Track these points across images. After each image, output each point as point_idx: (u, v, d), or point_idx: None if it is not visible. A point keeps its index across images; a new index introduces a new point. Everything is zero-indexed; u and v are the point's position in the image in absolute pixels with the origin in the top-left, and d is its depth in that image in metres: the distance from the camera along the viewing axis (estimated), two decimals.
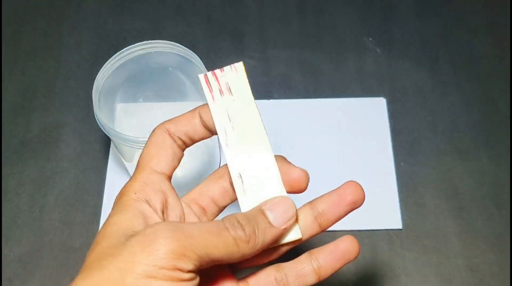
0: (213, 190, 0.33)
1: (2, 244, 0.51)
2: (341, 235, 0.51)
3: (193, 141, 0.33)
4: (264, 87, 0.59)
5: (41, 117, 0.58)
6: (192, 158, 0.53)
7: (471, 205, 0.52)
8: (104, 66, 0.45)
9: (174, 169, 0.32)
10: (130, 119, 0.52)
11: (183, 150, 0.33)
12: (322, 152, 0.55)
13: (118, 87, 0.48)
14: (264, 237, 0.29)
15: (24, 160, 0.55)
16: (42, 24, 0.64)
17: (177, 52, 0.46)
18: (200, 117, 0.32)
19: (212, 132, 0.32)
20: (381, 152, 0.55)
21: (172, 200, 0.31)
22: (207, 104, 0.32)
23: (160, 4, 0.66)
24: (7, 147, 0.56)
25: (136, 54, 0.46)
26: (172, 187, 0.32)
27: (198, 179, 0.52)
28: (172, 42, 0.46)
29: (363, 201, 0.32)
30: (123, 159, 0.51)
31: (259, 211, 0.29)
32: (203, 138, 0.33)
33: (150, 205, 0.29)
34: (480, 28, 0.63)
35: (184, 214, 0.32)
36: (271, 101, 0.58)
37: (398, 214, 0.52)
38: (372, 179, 0.54)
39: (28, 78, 0.61)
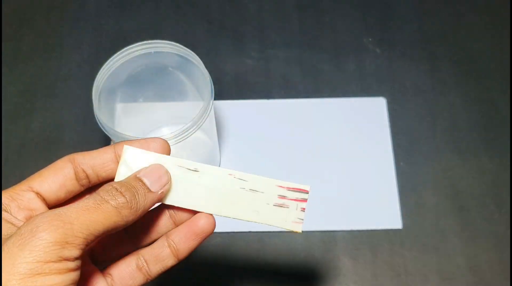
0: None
1: None
2: (341, 235, 0.51)
3: (99, 179, 0.32)
4: (264, 87, 0.59)
5: (41, 117, 0.58)
6: (192, 158, 0.53)
7: (471, 205, 0.52)
8: (104, 66, 0.45)
9: (59, 201, 0.31)
10: (130, 119, 0.52)
11: (82, 186, 0.31)
12: (322, 152, 0.55)
13: (118, 87, 0.48)
14: (144, 202, 0.29)
15: (24, 160, 0.55)
16: (42, 24, 0.64)
17: (177, 52, 0.46)
18: (115, 153, 0.31)
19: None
20: (381, 152, 0.55)
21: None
22: (124, 142, 0.32)
23: (160, 4, 0.66)
24: (7, 147, 0.56)
25: (136, 54, 0.46)
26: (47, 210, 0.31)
27: None
28: (172, 42, 0.46)
29: (213, 230, 0.33)
30: None
31: (135, 178, 0.30)
32: (110, 177, 0.32)
33: (13, 224, 0.29)
34: (480, 28, 0.63)
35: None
36: (271, 101, 0.58)
37: (398, 214, 0.52)
38: (372, 179, 0.54)
39: (28, 79, 0.61)
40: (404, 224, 0.51)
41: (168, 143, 0.32)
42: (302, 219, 0.33)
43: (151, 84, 0.50)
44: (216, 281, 0.49)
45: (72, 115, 0.58)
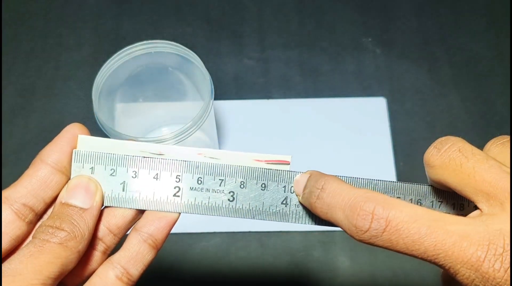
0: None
1: None
2: (341, 235, 0.51)
3: (46, 204, 0.28)
4: (263, 87, 0.59)
5: (41, 118, 0.58)
6: None
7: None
8: (104, 66, 0.45)
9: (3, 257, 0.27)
10: (130, 119, 0.52)
11: (31, 223, 0.28)
12: (322, 152, 0.55)
13: (118, 87, 0.48)
14: (86, 224, 0.27)
15: (24, 160, 0.55)
16: (42, 24, 0.64)
17: (177, 52, 0.46)
18: (47, 166, 0.28)
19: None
20: (381, 152, 0.55)
21: None
22: (49, 146, 0.29)
23: (160, 4, 0.66)
24: (7, 147, 0.56)
25: (136, 54, 0.46)
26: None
27: None
28: (172, 42, 0.46)
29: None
30: None
31: (62, 205, 0.27)
32: (58, 191, 0.28)
33: None
34: (479, 29, 0.63)
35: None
36: (271, 101, 0.58)
37: None
38: (372, 179, 0.54)
39: (28, 79, 0.61)
40: None
41: (84, 127, 0.30)
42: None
43: (151, 84, 0.50)
44: (216, 281, 0.49)
45: (72, 115, 0.58)
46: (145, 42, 0.46)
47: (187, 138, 0.43)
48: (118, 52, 0.45)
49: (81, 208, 0.27)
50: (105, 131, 0.43)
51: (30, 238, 0.28)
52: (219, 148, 0.55)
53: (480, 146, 0.59)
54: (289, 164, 0.30)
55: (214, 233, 0.50)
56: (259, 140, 0.56)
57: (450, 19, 0.64)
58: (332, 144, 0.56)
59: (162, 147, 0.29)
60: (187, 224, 0.50)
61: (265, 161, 0.29)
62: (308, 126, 0.57)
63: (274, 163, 0.30)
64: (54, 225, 0.26)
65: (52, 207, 0.28)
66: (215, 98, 0.46)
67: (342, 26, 0.64)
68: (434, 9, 0.65)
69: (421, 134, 0.56)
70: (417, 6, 0.65)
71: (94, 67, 0.46)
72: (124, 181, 0.29)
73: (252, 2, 0.66)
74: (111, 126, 0.43)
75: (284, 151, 0.55)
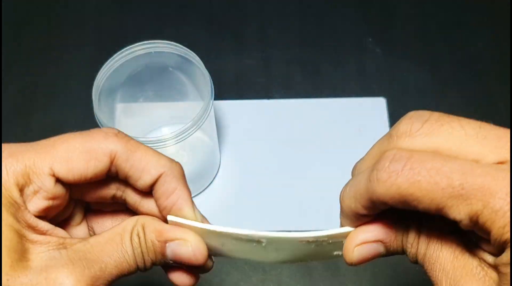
0: (108, 226, 0.31)
1: None
2: None
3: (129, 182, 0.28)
4: (264, 87, 0.59)
5: (41, 117, 0.58)
6: (192, 158, 0.53)
7: None
8: (104, 66, 0.45)
9: (76, 183, 0.27)
10: (130, 119, 0.52)
11: (109, 182, 0.28)
12: (322, 152, 0.55)
13: (118, 87, 0.48)
14: (153, 261, 0.28)
15: None
16: (42, 24, 0.64)
17: (177, 52, 0.46)
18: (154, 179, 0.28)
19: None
20: None
21: (73, 223, 0.29)
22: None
23: (160, 4, 0.66)
24: None
25: (136, 54, 0.46)
26: (74, 207, 0.29)
27: (198, 179, 0.52)
28: (172, 42, 0.46)
29: None
30: None
31: (159, 247, 0.28)
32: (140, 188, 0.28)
33: (26, 222, 0.25)
34: (480, 28, 0.63)
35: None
36: (271, 101, 0.58)
37: None
38: None
39: (28, 78, 0.61)
40: None
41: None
42: None
43: (151, 84, 0.50)
44: (216, 281, 0.49)
45: (72, 115, 0.58)
46: (145, 42, 0.46)
47: (187, 138, 0.43)
48: (118, 52, 0.45)
49: (166, 258, 0.28)
50: None
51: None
52: (219, 148, 0.55)
53: None
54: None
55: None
56: (259, 140, 0.56)
57: (450, 19, 0.64)
58: (332, 144, 0.56)
59: (262, 234, 0.28)
60: None
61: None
62: (308, 126, 0.57)
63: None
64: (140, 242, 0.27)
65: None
66: (215, 98, 0.46)
67: (342, 26, 0.64)
68: (435, 9, 0.64)
69: None
70: (418, 6, 0.65)
71: (94, 67, 0.46)
72: None
73: (253, 1, 0.66)
74: (111, 126, 0.43)
75: (284, 151, 0.56)
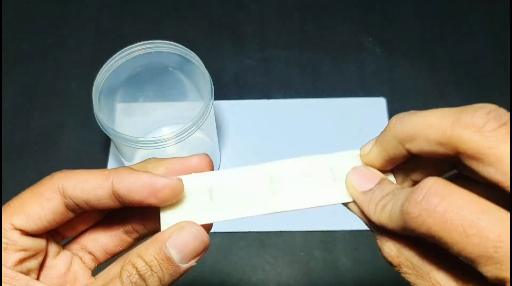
0: (103, 240, 0.30)
1: None
2: (341, 235, 0.51)
3: (94, 209, 0.27)
4: (264, 87, 0.59)
5: (41, 117, 0.58)
6: None
7: None
8: (104, 66, 0.45)
9: (44, 231, 0.27)
10: (130, 119, 0.52)
11: (74, 212, 0.28)
12: (322, 152, 0.55)
13: (118, 87, 0.48)
14: (170, 280, 0.26)
15: (24, 160, 0.55)
16: (42, 24, 0.64)
17: (177, 52, 0.46)
18: (113, 187, 0.26)
19: (125, 204, 0.27)
20: None
21: (51, 255, 0.28)
22: (124, 168, 0.27)
23: (160, 4, 0.66)
24: (7, 147, 0.56)
25: (136, 54, 0.46)
26: (46, 244, 0.28)
27: None
28: (172, 42, 0.46)
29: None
30: (123, 159, 0.51)
31: (162, 253, 0.25)
32: (109, 208, 0.28)
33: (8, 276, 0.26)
34: (479, 29, 0.63)
35: (70, 266, 0.29)
36: (271, 101, 0.58)
37: None
38: None
39: (28, 78, 0.61)
40: None
41: (211, 160, 0.28)
42: None
43: (151, 84, 0.50)
44: (216, 281, 0.49)
45: (72, 115, 0.58)
46: (145, 42, 0.46)
47: (187, 138, 0.43)
48: (118, 52, 0.45)
49: (176, 265, 0.25)
50: (105, 131, 0.43)
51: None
52: (219, 148, 0.55)
53: None
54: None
55: (214, 233, 0.50)
56: (259, 140, 0.56)
57: (450, 18, 0.64)
58: (332, 144, 0.56)
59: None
60: None
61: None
62: (308, 126, 0.57)
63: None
64: (143, 274, 0.25)
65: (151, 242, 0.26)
66: (215, 98, 0.46)
67: (342, 26, 0.64)
68: (435, 9, 0.65)
69: None
70: (418, 6, 0.65)
71: (94, 67, 0.46)
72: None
73: (252, 2, 0.66)
74: (111, 126, 0.43)
75: (284, 151, 0.56)
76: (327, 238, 0.51)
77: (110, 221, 0.30)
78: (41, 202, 0.27)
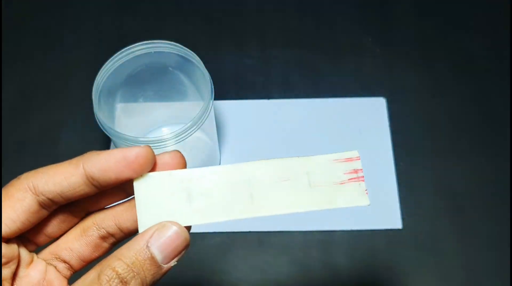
0: (77, 248, 0.29)
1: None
2: (340, 235, 0.51)
3: (70, 201, 0.27)
4: (263, 87, 0.59)
5: (41, 117, 0.58)
6: (192, 158, 0.53)
7: (470, 205, 0.52)
8: (104, 66, 0.45)
9: (20, 233, 0.26)
10: (130, 119, 0.52)
11: (50, 211, 0.27)
12: (322, 152, 0.55)
13: (118, 87, 0.48)
14: (152, 281, 0.25)
15: (24, 160, 0.55)
16: (42, 24, 0.64)
17: (177, 52, 0.46)
18: (86, 171, 0.26)
19: (101, 186, 0.26)
20: (381, 152, 0.55)
21: (23, 264, 0.27)
22: (90, 152, 0.27)
23: (160, 4, 0.66)
24: (7, 147, 0.56)
25: (136, 54, 0.46)
26: (18, 251, 0.27)
27: None
28: (172, 42, 0.46)
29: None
30: None
31: (145, 253, 0.25)
32: (85, 196, 0.27)
33: None
34: (479, 29, 0.63)
35: (45, 276, 0.28)
36: (271, 101, 0.58)
37: (398, 214, 0.52)
38: (372, 179, 0.53)
39: (28, 78, 0.61)
40: (403, 224, 0.51)
41: (183, 158, 0.28)
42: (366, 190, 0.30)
43: (151, 84, 0.50)
44: (215, 281, 0.49)
45: (72, 115, 0.58)
46: (145, 42, 0.46)
47: (187, 138, 0.43)
48: (118, 52, 0.45)
49: (158, 265, 0.25)
50: (105, 131, 0.43)
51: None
52: (219, 148, 0.55)
53: (480, 146, 0.60)
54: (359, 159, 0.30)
55: (214, 233, 0.50)
56: (259, 140, 0.56)
57: (450, 18, 0.64)
58: (332, 144, 0.56)
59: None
60: None
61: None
62: (308, 126, 0.57)
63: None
64: (124, 278, 0.24)
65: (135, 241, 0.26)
66: (215, 98, 0.46)
67: (342, 26, 0.64)
68: (434, 9, 0.65)
69: (421, 134, 0.56)
70: (417, 6, 0.65)
71: (94, 67, 0.46)
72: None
73: (252, 1, 0.66)
74: (111, 126, 0.43)
75: (284, 151, 0.56)
76: (326, 238, 0.51)
77: (83, 227, 0.29)
78: (11, 204, 0.26)
